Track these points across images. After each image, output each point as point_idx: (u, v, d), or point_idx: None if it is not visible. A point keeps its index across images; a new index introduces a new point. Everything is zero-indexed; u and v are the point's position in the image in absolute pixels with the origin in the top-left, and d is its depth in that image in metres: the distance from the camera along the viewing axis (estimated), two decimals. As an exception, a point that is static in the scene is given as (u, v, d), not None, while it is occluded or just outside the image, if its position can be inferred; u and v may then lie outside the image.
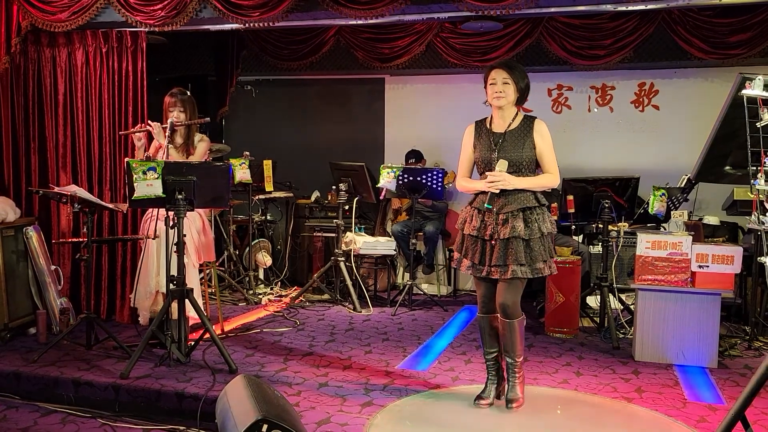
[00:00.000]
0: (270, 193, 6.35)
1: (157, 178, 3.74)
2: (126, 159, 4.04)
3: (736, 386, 3.76)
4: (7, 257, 4.48)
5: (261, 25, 4.57)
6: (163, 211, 3.89)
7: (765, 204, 2.71)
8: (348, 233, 5.88)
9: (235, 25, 4.68)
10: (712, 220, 5.58)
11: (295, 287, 6.33)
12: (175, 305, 3.93)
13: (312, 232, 6.41)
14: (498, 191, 3.24)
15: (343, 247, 5.75)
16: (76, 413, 3.51)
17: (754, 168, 2.73)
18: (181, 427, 3.32)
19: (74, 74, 4.94)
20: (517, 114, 3.36)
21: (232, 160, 5.86)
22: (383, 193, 5.84)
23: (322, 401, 3.41)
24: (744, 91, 2.91)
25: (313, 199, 6.64)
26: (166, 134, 4.16)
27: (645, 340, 4.23)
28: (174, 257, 3.81)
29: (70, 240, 4.75)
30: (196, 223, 4.34)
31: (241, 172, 5.93)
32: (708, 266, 4.14)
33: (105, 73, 4.89)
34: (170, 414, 3.47)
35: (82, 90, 4.93)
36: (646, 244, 4.24)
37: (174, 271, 3.84)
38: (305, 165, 6.94)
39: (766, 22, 5.40)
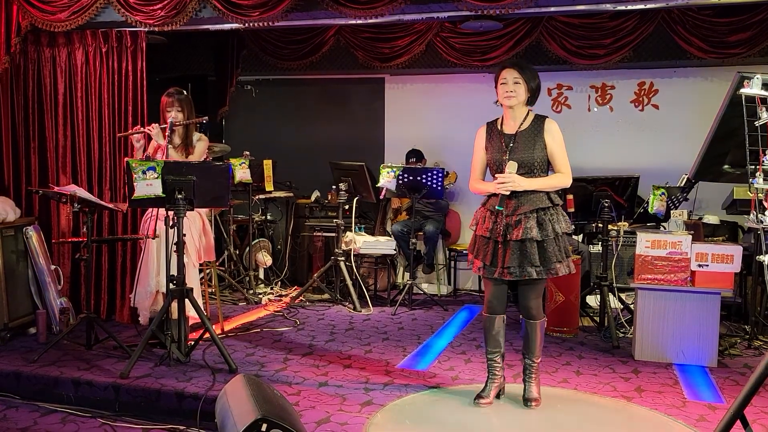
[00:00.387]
0: (270, 192, 6.36)
1: (157, 178, 3.75)
2: (126, 159, 4.04)
3: (735, 385, 3.76)
4: (7, 257, 4.48)
5: (261, 24, 4.57)
6: (163, 210, 3.89)
7: (764, 203, 2.71)
8: (348, 233, 5.88)
9: (234, 25, 4.69)
10: (711, 219, 5.58)
11: (295, 287, 6.33)
12: (175, 305, 3.93)
13: (312, 231, 6.42)
14: (508, 193, 3.23)
15: (343, 247, 5.75)
16: (76, 413, 3.51)
17: (753, 167, 2.73)
18: (181, 427, 3.33)
19: (74, 74, 4.95)
20: (528, 114, 3.35)
21: (232, 160, 5.86)
22: (383, 193, 5.84)
23: (321, 400, 3.41)
24: (742, 90, 2.91)
25: (313, 198, 6.64)
26: (166, 134, 4.16)
27: (645, 340, 4.23)
28: (174, 257, 3.82)
29: (69, 240, 4.75)
30: (196, 222, 4.34)
31: (241, 172, 5.93)
32: (708, 265, 4.14)
33: (105, 72, 4.89)
34: (170, 413, 3.47)
35: (81, 90, 4.94)
36: (645, 243, 4.24)
37: (174, 271, 3.85)
38: (305, 165, 6.94)
39: (765, 22, 5.40)
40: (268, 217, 6.65)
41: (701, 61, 5.82)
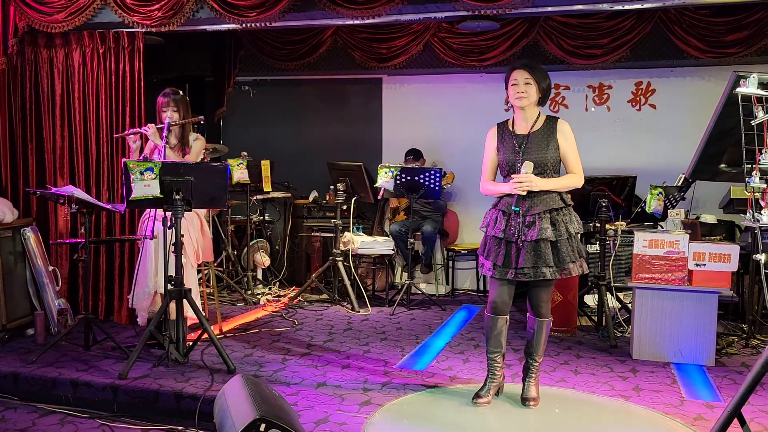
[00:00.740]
0: (268, 193, 6.36)
1: (155, 179, 3.75)
2: (123, 159, 4.04)
3: (733, 384, 3.77)
4: (5, 258, 4.48)
5: (258, 25, 4.57)
6: (160, 211, 3.89)
7: (760, 201, 2.72)
8: (346, 233, 5.88)
9: (232, 26, 4.69)
10: (709, 218, 5.59)
11: (294, 287, 6.34)
12: (173, 305, 3.93)
13: (310, 232, 6.42)
14: (524, 193, 3.23)
15: (341, 247, 5.76)
16: (75, 414, 3.51)
17: (749, 166, 2.74)
18: (180, 427, 3.33)
19: (71, 75, 4.94)
20: (539, 115, 3.35)
21: (229, 161, 5.86)
22: (381, 193, 5.84)
23: (320, 400, 3.41)
24: (738, 89, 2.92)
25: (311, 199, 6.64)
26: (163, 135, 4.16)
27: (642, 339, 4.24)
28: (172, 258, 3.82)
29: (67, 241, 4.75)
30: (194, 223, 4.34)
31: (239, 173, 5.93)
32: (705, 264, 4.15)
33: (102, 73, 4.89)
34: (168, 414, 3.47)
35: (79, 91, 4.93)
36: (643, 242, 4.25)
37: (172, 272, 3.85)
38: (303, 165, 6.94)
39: (762, 21, 5.42)
40: (266, 218, 6.66)
41: (698, 60, 5.83)
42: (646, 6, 4.72)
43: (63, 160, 4.98)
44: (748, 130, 2.85)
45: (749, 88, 2.94)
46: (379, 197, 6.07)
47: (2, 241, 4.48)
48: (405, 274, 5.99)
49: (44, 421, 3.42)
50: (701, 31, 5.62)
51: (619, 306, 5.06)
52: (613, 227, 4.96)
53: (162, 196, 3.77)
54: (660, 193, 4.81)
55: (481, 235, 3.43)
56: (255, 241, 6.34)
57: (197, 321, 4.03)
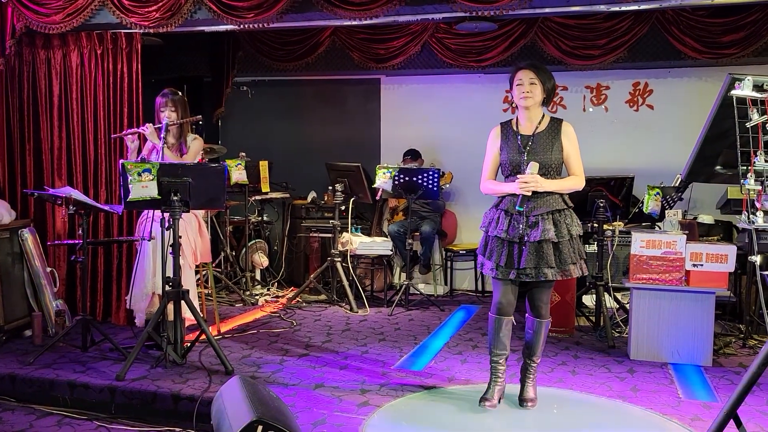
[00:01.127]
0: (266, 193, 6.36)
1: (153, 180, 3.74)
2: (121, 160, 4.04)
3: (730, 384, 3.77)
4: (3, 259, 4.48)
5: (256, 26, 4.57)
6: (158, 212, 3.89)
7: (755, 203, 2.72)
8: (344, 234, 5.88)
9: (230, 27, 4.69)
10: (706, 218, 5.60)
11: (292, 288, 6.34)
12: (171, 307, 3.93)
13: (308, 232, 6.42)
14: (530, 194, 3.23)
15: (340, 248, 5.76)
16: (72, 415, 3.51)
17: (744, 167, 2.74)
18: (177, 429, 3.33)
19: (69, 76, 4.94)
20: (543, 116, 3.35)
21: (228, 161, 5.85)
22: (379, 194, 5.85)
23: (317, 402, 3.41)
24: (733, 92, 2.92)
25: (309, 199, 6.64)
26: (161, 135, 4.16)
27: (640, 339, 4.25)
28: (170, 259, 3.82)
29: (65, 242, 4.74)
30: (192, 224, 4.34)
31: (238, 173, 5.93)
32: (702, 265, 4.16)
33: (100, 74, 4.89)
34: (166, 416, 3.47)
35: (77, 92, 4.93)
36: (640, 243, 4.25)
37: (170, 273, 3.85)
38: (301, 166, 6.94)
39: (758, 22, 5.43)
40: (265, 218, 6.66)
41: (695, 61, 5.84)
42: (643, 7, 4.72)
43: (61, 161, 4.97)
44: (743, 132, 2.85)
45: (744, 90, 2.95)
46: (378, 198, 6.08)
47: (0, 242, 4.47)
48: (403, 275, 5.99)
49: (42, 423, 3.42)
50: (698, 32, 5.63)
51: (617, 306, 5.07)
52: (610, 227, 4.96)
53: (160, 197, 3.77)
54: (657, 193, 4.82)
55: (480, 235, 3.43)
56: (253, 241, 6.34)
57: (195, 322, 4.03)
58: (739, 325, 4.88)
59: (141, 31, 4.73)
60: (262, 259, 6.31)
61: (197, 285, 4.53)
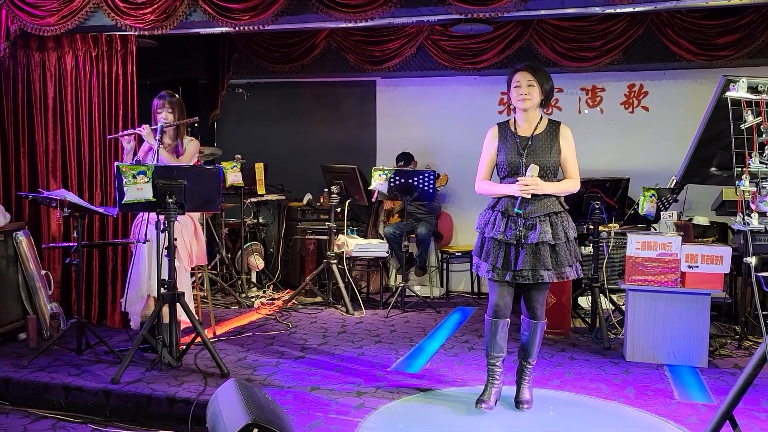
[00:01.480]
0: (262, 196, 6.36)
1: (147, 182, 3.74)
2: (116, 163, 4.03)
3: (726, 385, 3.78)
4: (-3, 262, 4.47)
5: (251, 28, 4.57)
6: (153, 215, 3.88)
7: (750, 205, 2.74)
8: (340, 235, 5.88)
9: (225, 29, 4.68)
10: (701, 220, 5.61)
11: (288, 290, 6.33)
12: (166, 309, 3.92)
13: (304, 234, 6.42)
14: (529, 196, 3.23)
15: (336, 250, 5.75)
16: (67, 419, 3.50)
17: (739, 169, 2.75)
18: (173, 432, 3.32)
19: (64, 78, 4.93)
20: (541, 118, 3.36)
21: (223, 163, 5.85)
22: (375, 196, 5.85)
23: (313, 404, 3.41)
24: (728, 93, 2.92)
25: (305, 201, 6.64)
26: (157, 136, 4.16)
27: (636, 341, 4.25)
28: (165, 261, 3.81)
29: (60, 244, 4.73)
30: (188, 226, 4.33)
31: (233, 175, 5.93)
32: (698, 266, 4.17)
33: (95, 76, 4.88)
34: (161, 419, 3.46)
35: (72, 94, 4.92)
36: (636, 244, 4.26)
37: (165, 275, 3.84)
38: (297, 168, 6.94)
39: (753, 24, 5.45)
40: (260, 221, 6.65)
41: (690, 63, 5.86)
42: (638, 9, 4.74)
43: (55, 163, 4.96)
44: (738, 134, 2.86)
45: (739, 92, 2.95)
46: (373, 200, 6.08)
47: (-6, 245, 4.47)
48: (399, 277, 5.99)
49: (36, 426, 3.40)
50: (693, 34, 5.65)
51: (613, 308, 5.08)
52: (606, 229, 4.97)
53: (155, 199, 3.76)
54: (653, 195, 4.83)
55: (475, 237, 3.43)
56: (249, 243, 6.33)
57: (191, 325, 4.02)
58: (734, 327, 4.90)
59: (136, 33, 4.72)
60: (257, 262, 6.30)
61: (193, 287, 4.52)
